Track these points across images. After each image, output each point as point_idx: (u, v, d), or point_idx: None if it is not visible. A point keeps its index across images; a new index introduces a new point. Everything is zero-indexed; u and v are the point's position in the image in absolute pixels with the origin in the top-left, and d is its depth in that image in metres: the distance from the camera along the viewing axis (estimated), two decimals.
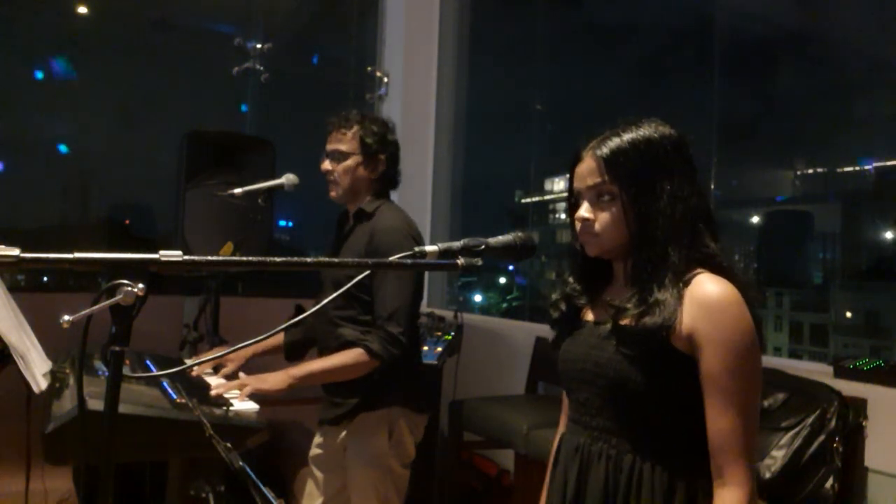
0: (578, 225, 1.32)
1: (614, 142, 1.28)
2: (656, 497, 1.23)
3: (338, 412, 2.23)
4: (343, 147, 2.22)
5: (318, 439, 2.37)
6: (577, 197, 1.33)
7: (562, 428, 1.48)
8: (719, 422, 1.19)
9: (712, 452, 1.21)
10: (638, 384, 1.23)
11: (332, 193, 2.27)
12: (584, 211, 1.30)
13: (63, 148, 3.92)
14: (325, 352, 2.23)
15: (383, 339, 2.11)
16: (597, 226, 1.29)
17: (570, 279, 1.42)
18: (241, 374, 2.22)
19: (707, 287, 1.21)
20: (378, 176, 2.26)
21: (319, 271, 2.37)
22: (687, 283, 1.23)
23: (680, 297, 1.22)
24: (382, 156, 2.24)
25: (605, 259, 1.35)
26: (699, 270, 1.24)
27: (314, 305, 2.37)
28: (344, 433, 2.24)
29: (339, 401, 2.22)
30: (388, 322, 2.11)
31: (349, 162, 2.22)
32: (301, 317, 1.21)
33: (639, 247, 1.26)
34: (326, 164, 2.25)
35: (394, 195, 2.32)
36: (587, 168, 1.30)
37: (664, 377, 1.23)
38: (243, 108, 4.31)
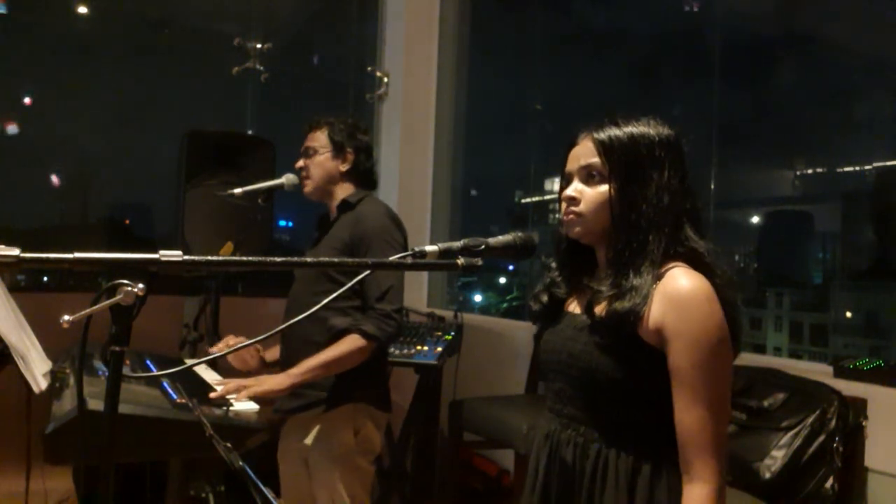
0: (564, 206, 1.34)
1: (612, 129, 1.31)
2: (620, 482, 1.25)
3: (299, 403, 2.21)
4: (314, 144, 2.34)
5: (281, 436, 2.35)
6: (568, 180, 1.35)
7: None
8: (686, 417, 1.20)
9: (680, 448, 1.22)
10: (607, 375, 1.25)
11: (306, 188, 2.36)
12: (571, 190, 1.32)
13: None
14: (301, 343, 2.20)
15: (376, 318, 2.14)
16: (581, 205, 1.31)
17: (553, 266, 1.43)
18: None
19: (678, 281, 1.21)
20: (349, 168, 2.34)
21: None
22: (661, 277, 1.23)
23: (653, 288, 1.22)
24: (349, 149, 2.33)
25: (588, 246, 1.36)
26: (676, 264, 1.25)
27: (290, 301, 2.34)
28: (308, 431, 2.22)
29: (301, 391, 2.19)
30: (381, 301, 2.15)
31: (319, 156, 2.32)
32: (302, 316, 1.21)
33: (620, 231, 1.27)
34: (300, 162, 2.36)
35: (394, 195, 2.35)
36: (582, 149, 1.33)
37: (633, 369, 1.24)
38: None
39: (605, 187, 1.29)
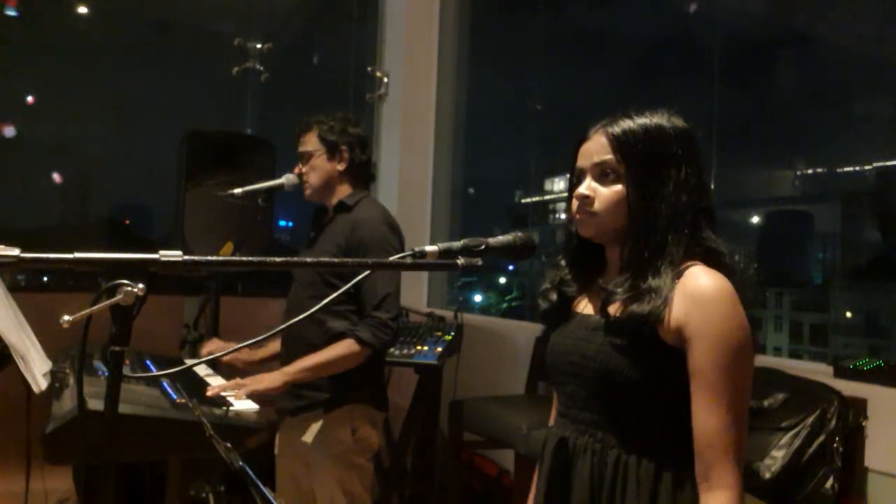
0: (576, 204, 1.27)
1: (626, 123, 1.25)
2: (642, 489, 1.20)
3: (299, 404, 2.24)
4: (308, 147, 2.33)
5: (278, 437, 2.37)
6: (578, 176, 1.29)
7: (552, 422, 1.44)
8: (707, 420, 1.15)
9: (698, 452, 1.16)
10: (624, 376, 1.20)
11: (307, 192, 2.36)
12: (585, 188, 1.26)
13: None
14: (301, 345, 2.21)
15: (373, 326, 2.15)
16: (596, 204, 1.25)
17: (563, 263, 1.38)
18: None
19: (700, 280, 1.17)
20: (347, 166, 2.33)
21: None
22: (680, 275, 1.19)
23: (672, 288, 1.18)
24: (343, 145, 2.32)
25: (598, 245, 1.31)
26: (694, 262, 1.20)
27: (289, 303, 2.36)
28: (306, 431, 2.24)
29: (302, 392, 2.23)
30: (377, 309, 2.16)
31: (314, 160, 2.32)
32: (302, 316, 1.20)
33: (637, 232, 1.22)
34: (298, 168, 2.36)
35: (394, 195, 2.34)
36: (596, 145, 1.27)
37: (652, 370, 1.20)
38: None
39: (620, 186, 1.23)
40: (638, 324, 1.18)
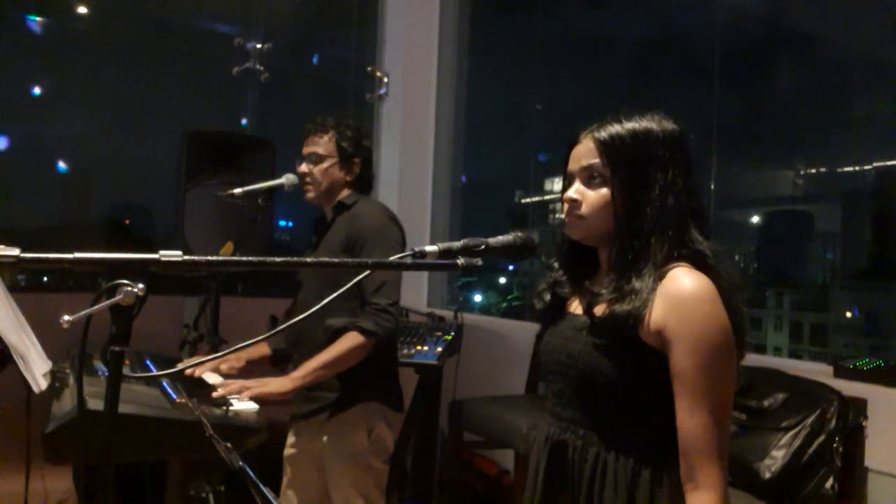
0: (566, 206, 1.31)
1: (614, 127, 1.27)
2: (620, 485, 1.22)
3: (312, 407, 2.22)
4: (319, 150, 2.30)
5: (291, 438, 2.36)
6: (570, 179, 1.33)
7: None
8: (690, 421, 1.17)
9: (683, 453, 1.18)
10: (605, 376, 1.22)
11: (309, 195, 2.33)
12: (573, 192, 1.29)
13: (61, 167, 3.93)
14: (310, 348, 2.20)
15: (373, 314, 2.13)
16: (583, 208, 1.28)
17: (556, 265, 1.41)
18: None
19: (680, 281, 1.18)
20: (354, 178, 2.33)
21: (296, 270, 2.39)
22: (663, 276, 1.20)
23: (654, 290, 1.19)
24: (357, 159, 2.32)
25: (591, 246, 1.34)
26: (678, 264, 1.21)
27: (295, 305, 2.36)
28: (321, 432, 2.23)
29: (314, 395, 2.21)
30: (376, 295, 2.14)
31: (325, 164, 2.29)
32: (301, 317, 1.20)
33: (622, 234, 1.25)
34: (303, 167, 2.32)
35: (394, 195, 2.34)
36: (583, 149, 1.30)
37: (632, 370, 1.21)
38: (243, 122, 4.33)
39: (606, 190, 1.26)
40: (618, 324, 1.20)
